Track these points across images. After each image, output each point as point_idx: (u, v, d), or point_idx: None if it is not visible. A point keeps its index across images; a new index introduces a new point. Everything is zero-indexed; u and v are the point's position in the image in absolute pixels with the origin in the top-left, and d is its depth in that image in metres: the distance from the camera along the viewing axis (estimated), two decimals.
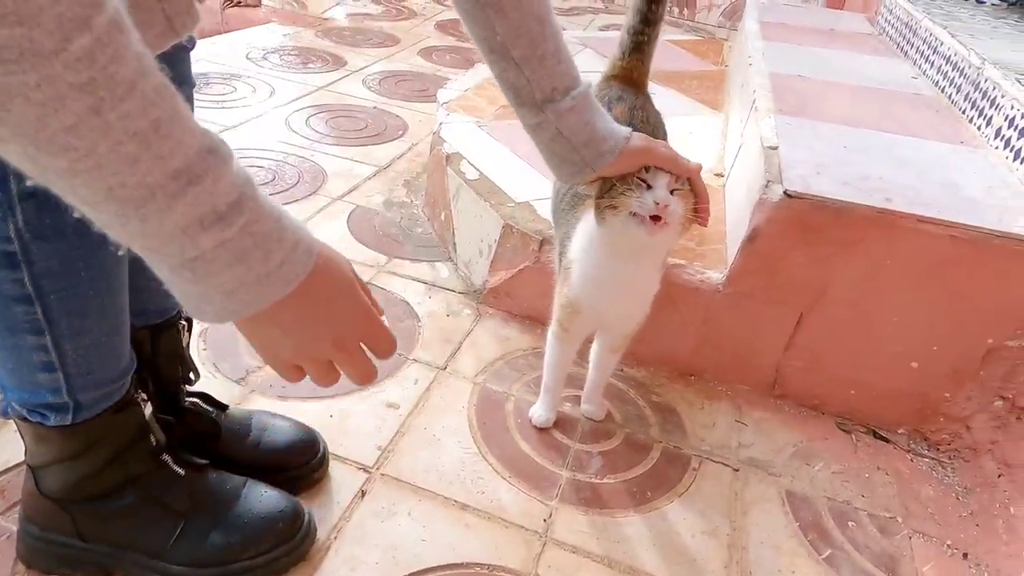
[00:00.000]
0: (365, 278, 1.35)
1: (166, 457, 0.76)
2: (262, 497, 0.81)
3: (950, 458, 1.14)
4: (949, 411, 1.13)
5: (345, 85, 2.34)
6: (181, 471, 0.77)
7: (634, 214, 0.78)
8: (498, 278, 1.32)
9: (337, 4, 3.27)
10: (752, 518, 0.98)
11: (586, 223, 0.87)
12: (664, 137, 1.02)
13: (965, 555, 0.98)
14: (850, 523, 0.99)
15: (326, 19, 3.07)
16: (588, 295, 0.90)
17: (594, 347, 1.03)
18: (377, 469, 0.96)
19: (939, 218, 1.02)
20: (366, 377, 0.57)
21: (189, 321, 0.86)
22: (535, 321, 1.29)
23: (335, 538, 0.86)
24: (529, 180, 1.41)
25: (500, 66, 0.73)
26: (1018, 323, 1.05)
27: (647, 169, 0.78)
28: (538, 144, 0.78)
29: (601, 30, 3.40)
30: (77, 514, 0.74)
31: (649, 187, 0.78)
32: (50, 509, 0.74)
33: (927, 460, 1.13)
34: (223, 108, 2.02)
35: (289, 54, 2.55)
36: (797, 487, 1.04)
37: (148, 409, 0.75)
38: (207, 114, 1.97)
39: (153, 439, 0.75)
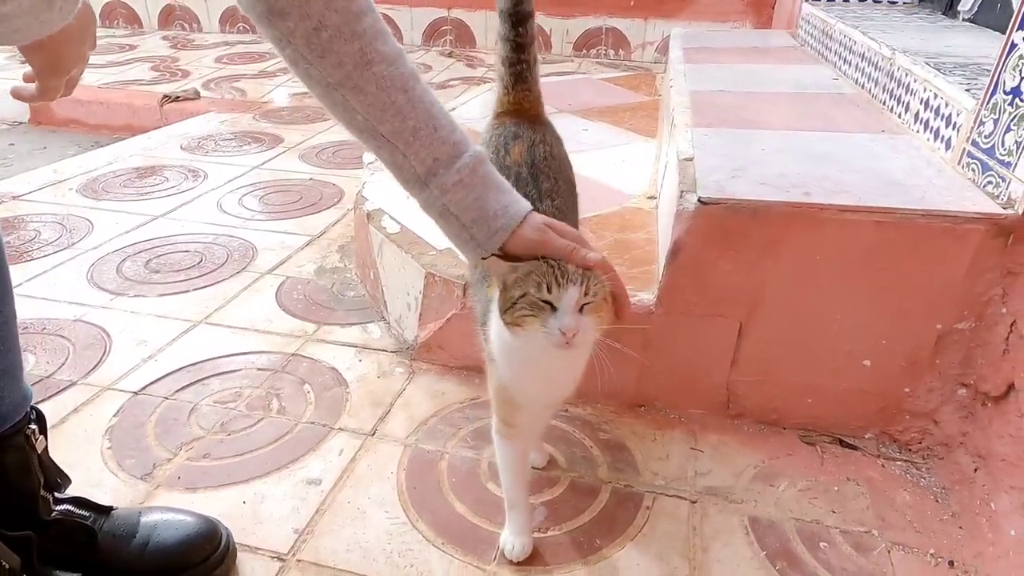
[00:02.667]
0: (291, 350, 1.29)
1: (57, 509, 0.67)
2: (174, 520, 0.73)
3: (923, 458, 1.06)
4: (913, 407, 1.06)
5: (281, 161, 2.32)
6: (87, 515, 0.68)
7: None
8: (428, 331, 1.25)
9: (277, 87, 3.30)
10: (713, 554, 0.89)
11: (499, 323, 0.72)
12: (570, 167, 0.93)
13: (951, 563, 0.89)
14: (822, 544, 0.90)
15: (265, 102, 3.08)
16: (519, 387, 0.79)
17: (521, 457, 0.87)
18: (293, 555, 0.86)
19: (859, 205, 0.97)
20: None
21: (41, 422, 0.78)
22: (471, 371, 1.22)
23: None
24: None
25: (373, 145, 0.68)
26: (963, 305, 0.99)
27: (549, 277, 0.66)
28: (432, 220, 0.72)
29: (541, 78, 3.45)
30: None
31: (554, 309, 0.67)
32: None
33: (899, 463, 1.05)
34: (151, 199, 1.98)
35: (224, 139, 2.54)
36: (761, 512, 0.95)
37: None
38: (134, 206, 1.92)
39: (5, 564, 0.66)
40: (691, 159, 1.16)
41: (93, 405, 1.13)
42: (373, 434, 1.08)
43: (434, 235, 1.33)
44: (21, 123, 3.21)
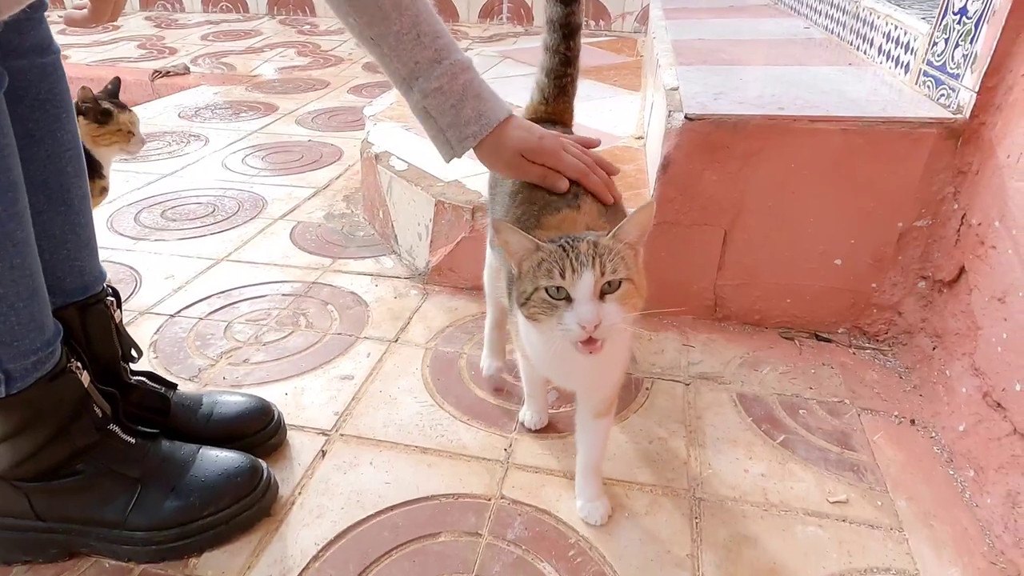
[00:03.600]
0: (311, 279, 1.39)
1: (113, 427, 0.77)
2: (217, 458, 0.81)
3: (889, 345, 1.18)
4: (879, 301, 1.19)
5: (278, 127, 2.40)
6: (132, 439, 0.78)
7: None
8: (439, 255, 1.35)
9: (264, 62, 3.36)
10: (706, 420, 1.01)
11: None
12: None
13: (912, 421, 1.02)
14: (801, 411, 1.03)
15: (255, 76, 3.14)
16: (542, 370, 0.79)
17: (577, 417, 0.83)
18: (336, 431, 0.97)
19: (828, 115, 1.09)
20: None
21: (117, 297, 0.87)
22: (480, 290, 1.32)
23: (299, 493, 0.86)
24: (459, 164, 1.46)
25: (366, 47, 0.76)
26: (920, 204, 1.11)
27: (562, 262, 0.62)
28: (422, 124, 0.80)
29: (525, 50, 3.54)
30: (31, 493, 0.74)
31: (569, 300, 0.62)
32: (2, 491, 0.74)
33: (868, 351, 1.18)
34: (156, 160, 2.05)
35: (220, 108, 2.60)
36: (747, 390, 1.08)
37: (86, 378, 0.76)
38: (141, 167, 2.00)
39: (97, 410, 0.76)
40: (676, 88, 1.27)
41: (133, 326, 1.22)
42: (396, 341, 1.18)
43: (440, 168, 1.43)
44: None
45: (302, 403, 1.03)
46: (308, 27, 4.10)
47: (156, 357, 1.14)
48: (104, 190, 1.26)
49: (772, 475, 0.91)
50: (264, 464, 0.84)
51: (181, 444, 0.82)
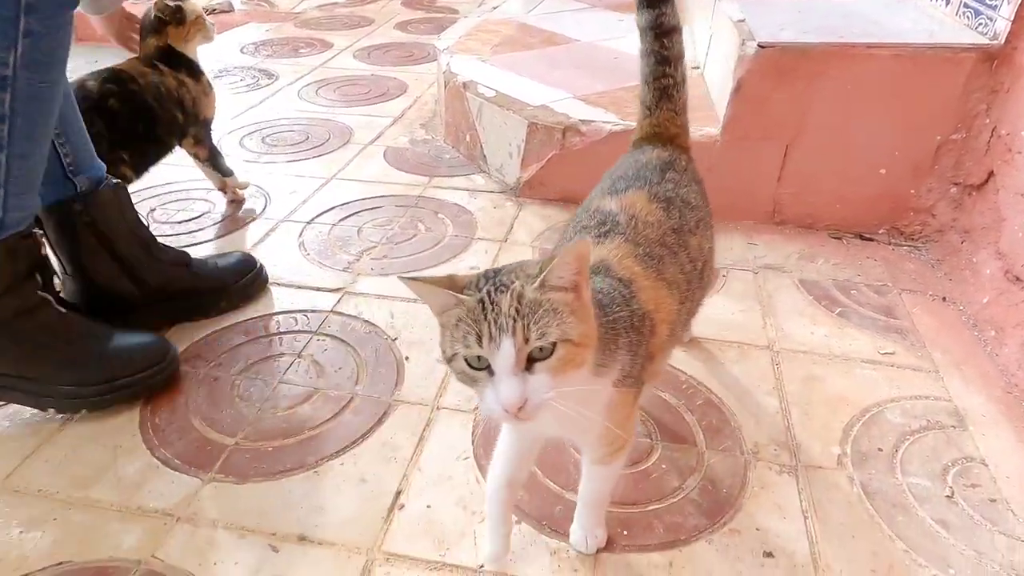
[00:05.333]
0: (415, 193, 1.59)
1: (49, 296, 0.94)
2: (135, 335, 1.00)
3: (923, 242, 1.40)
4: (916, 205, 1.39)
5: (338, 61, 2.54)
6: (63, 310, 0.95)
7: None
8: (530, 171, 1.55)
9: (303, 0, 3.46)
10: (775, 298, 1.23)
11: None
12: (707, 223, 0.83)
13: (944, 299, 1.24)
14: (852, 291, 1.25)
15: (298, 13, 3.25)
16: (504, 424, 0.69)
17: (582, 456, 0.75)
18: None
19: (882, 42, 1.28)
20: None
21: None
22: (567, 201, 1.53)
23: None
24: (539, 90, 1.65)
25: None
26: (957, 119, 1.31)
27: (478, 324, 0.52)
28: None
29: None
30: None
31: (491, 371, 0.53)
32: None
33: (905, 248, 1.39)
34: (239, 94, 2.22)
35: (277, 45, 2.74)
36: (806, 276, 1.30)
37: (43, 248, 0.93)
38: (225, 100, 2.16)
39: (39, 279, 0.93)
40: (743, 20, 1.45)
41: (277, 232, 1.43)
42: (505, 241, 1.40)
43: (527, 94, 1.61)
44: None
45: None
46: None
47: (307, 255, 1.35)
48: (210, 85, 1.43)
49: (833, 335, 1.14)
50: (171, 344, 1.02)
51: (95, 322, 1.00)
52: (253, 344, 1.10)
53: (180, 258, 1.16)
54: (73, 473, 0.87)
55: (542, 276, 0.52)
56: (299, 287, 1.24)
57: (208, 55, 2.62)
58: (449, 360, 0.55)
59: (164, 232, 1.43)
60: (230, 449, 0.91)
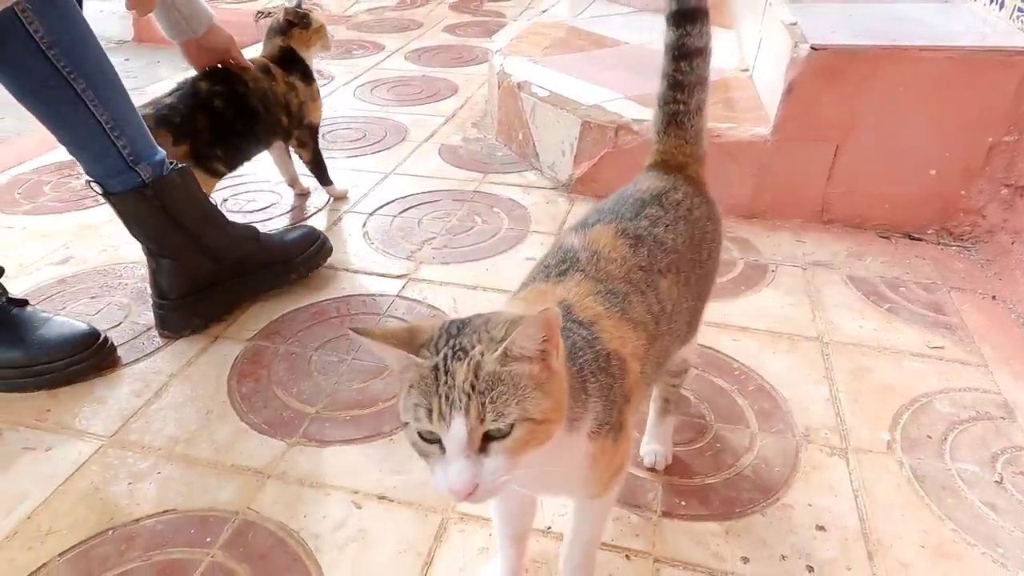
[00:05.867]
0: (471, 188, 1.66)
1: None
2: (64, 322, 1.06)
3: (972, 243, 1.42)
4: (966, 206, 1.41)
5: (390, 63, 2.63)
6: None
7: None
8: (582, 168, 1.60)
9: (355, 3, 3.57)
10: (824, 293, 1.26)
11: None
12: (714, 261, 0.79)
13: (993, 297, 1.26)
14: (900, 288, 1.28)
15: (349, 16, 3.36)
16: None
17: None
18: None
19: (935, 45, 1.30)
20: None
21: None
22: None
23: None
24: (591, 90, 1.70)
25: None
26: (1009, 121, 1.32)
27: (429, 396, 0.48)
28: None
29: None
30: None
31: (441, 447, 0.48)
32: None
33: (954, 248, 1.41)
34: None
35: (332, 46, 2.84)
36: (855, 273, 1.33)
37: None
38: None
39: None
40: (795, 23, 1.48)
41: (344, 221, 1.51)
42: (558, 234, 1.45)
43: (580, 94, 1.67)
44: (126, 41, 3.51)
45: (501, 275, 1.31)
46: None
47: (372, 243, 1.42)
48: (319, 92, 1.51)
49: (882, 329, 1.17)
50: (104, 333, 1.07)
51: (40, 310, 1.07)
52: (326, 324, 1.18)
53: (249, 232, 1.24)
54: (171, 434, 0.96)
55: (503, 346, 0.47)
56: (366, 273, 1.32)
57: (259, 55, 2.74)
58: (403, 425, 0.50)
59: (240, 220, 1.52)
60: (311, 417, 0.98)
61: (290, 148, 1.55)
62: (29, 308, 1.07)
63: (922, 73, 1.32)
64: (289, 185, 1.63)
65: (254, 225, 1.29)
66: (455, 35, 2.98)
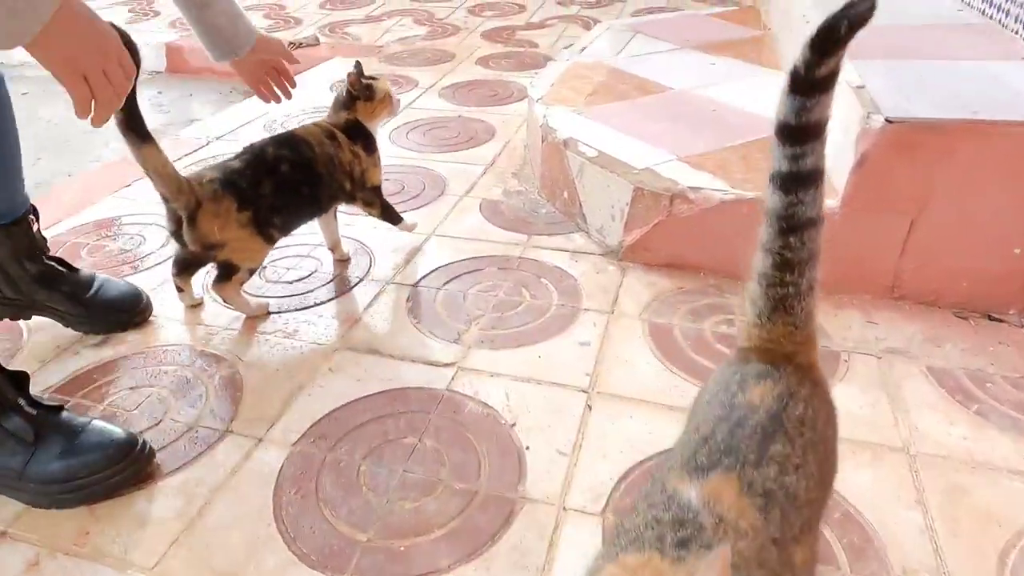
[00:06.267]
0: (515, 254, 1.59)
1: (21, 401, 0.98)
2: (102, 429, 1.01)
3: None
4: None
5: (425, 101, 2.58)
6: (33, 411, 0.99)
7: None
8: (634, 236, 1.53)
9: (386, 32, 3.53)
10: (904, 389, 1.17)
11: None
12: (832, 464, 0.71)
13: None
14: (987, 384, 1.18)
15: (381, 47, 3.31)
16: None
17: None
18: (592, 389, 1.18)
19: (1022, 120, 1.21)
20: (118, 92, 0.86)
21: (36, 213, 1.24)
22: (672, 267, 1.51)
23: (582, 438, 1.08)
24: (643, 151, 1.63)
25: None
26: None
27: None
28: (199, 33, 1.23)
29: (634, 15, 3.61)
30: None
31: None
32: None
33: None
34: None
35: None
36: (934, 363, 1.23)
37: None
38: None
39: (9, 395, 0.98)
40: (863, 86, 1.39)
41: (386, 295, 1.45)
42: (612, 312, 1.38)
43: (629, 155, 1.60)
44: (159, 72, 3.51)
45: (555, 364, 1.24)
46: None
47: (417, 322, 1.36)
48: (380, 158, 1.50)
49: (972, 438, 1.08)
50: (141, 439, 1.03)
51: (73, 416, 1.03)
52: (375, 424, 1.12)
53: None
54: (216, 566, 0.90)
55: None
56: (412, 360, 1.26)
57: (300, 95, 2.70)
58: None
59: (275, 292, 1.47)
60: (362, 547, 0.92)
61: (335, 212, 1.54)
62: (65, 413, 1.02)
63: (1007, 148, 1.22)
64: (330, 249, 1.58)
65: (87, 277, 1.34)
66: (489, 68, 2.92)
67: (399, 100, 1.53)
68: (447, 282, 1.49)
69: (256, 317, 1.38)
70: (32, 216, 1.27)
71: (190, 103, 3.07)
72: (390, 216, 1.57)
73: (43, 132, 2.73)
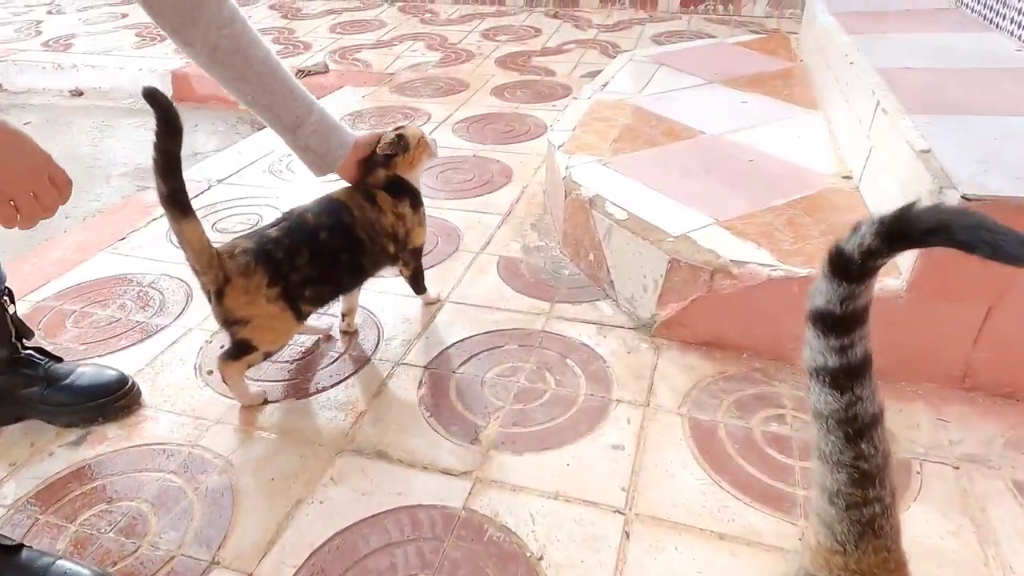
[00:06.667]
0: (537, 326, 1.45)
1: None
2: (67, 572, 0.89)
3: None
4: None
5: (438, 137, 2.44)
6: None
7: None
8: (669, 311, 1.38)
9: (398, 58, 3.41)
10: (990, 513, 1.02)
11: None
12: None
13: None
14: None
15: (392, 74, 3.19)
16: None
17: None
18: (630, 510, 1.03)
19: None
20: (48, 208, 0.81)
21: (11, 296, 1.16)
22: (712, 346, 1.36)
23: (620, 572, 0.93)
24: (678, 213, 1.48)
25: (258, 110, 1.14)
26: None
27: None
28: (296, 153, 1.21)
29: (654, 39, 3.47)
30: None
31: None
32: None
33: None
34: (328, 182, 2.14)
35: (375, 116, 2.67)
36: (1020, 475, 1.08)
37: None
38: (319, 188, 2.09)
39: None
40: (929, 151, 1.24)
41: (396, 379, 1.31)
42: (648, 405, 1.23)
43: (662, 218, 1.45)
44: None
45: (585, 476, 1.09)
46: (429, 15, 4.12)
47: (431, 415, 1.22)
48: (425, 216, 1.40)
49: None
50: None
51: (40, 555, 0.91)
52: (381, 555, 0.97)
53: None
54: None
55: None
56: (425, 467, 1.12)
57: None
58: None
59: (273, 375, 1.33)
60: None
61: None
62: (25, 553, 0.90)
63: None
64: (342, 314, 1.44)
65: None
66: (504, 99, 2.79)
67: (435, 139, 1.41)
68: (463, 363, 1.35)
69: (252, 406, 1.24)
70: (6, 298, 1.15)
71: (195, 135, 2.96)
72: (417, 284, 1.47)
73: None
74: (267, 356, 1.22)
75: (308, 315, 1.23)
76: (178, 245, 1.11)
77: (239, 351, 1.18)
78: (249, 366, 1.22)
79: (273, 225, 1.20)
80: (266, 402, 1.26)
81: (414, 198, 1.35)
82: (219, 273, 1.11)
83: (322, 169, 1.23)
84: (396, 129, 1.32)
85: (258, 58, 1.10)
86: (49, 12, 4.46)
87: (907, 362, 1.26)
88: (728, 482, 1.07)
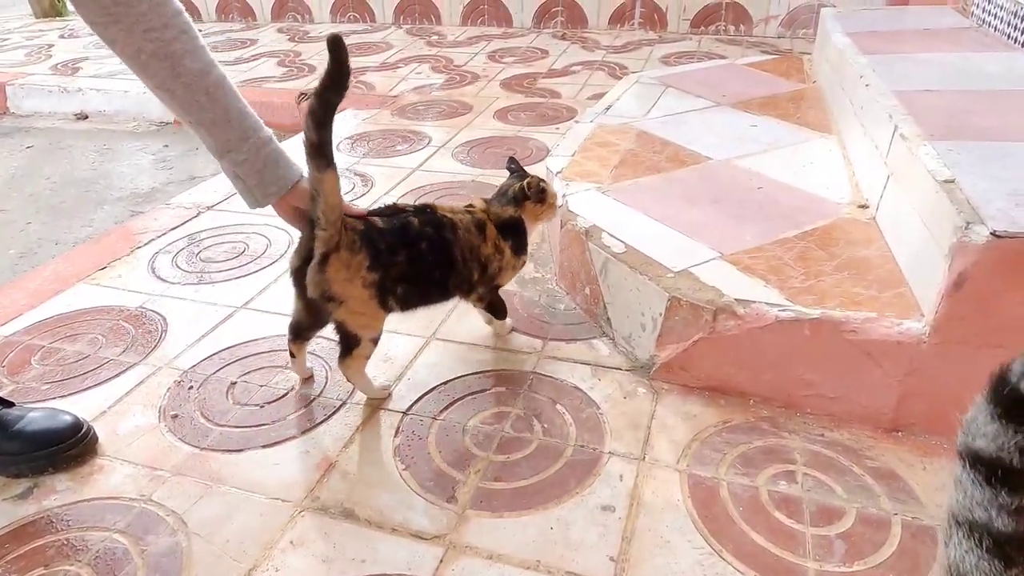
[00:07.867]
0: (528, 367, 1.35)
1: None
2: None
3: None
4: None
5: (436, 162, 2.38)
6: None
7: None
8: (669, 352, 1.28)
9: (402, 80, 3.36)
10: None
11: None
12: None
13: None
14: None
15: (395, 96, 3.14)
16: None
17: None
18: None
19: None
20: None
21: None
22: (715, 391, 1.25)
23: None
24: (680, 245, 1.38)
25: (187, 125, 1.03)
26: None
27: None
28: (229, 178, 1.08)
29: (663, 61, 3.39)
30: None
31: None
32: None
33: None
34: None
35: (373, 139, 2.61)
36: None
37: None
38: None
39: None
40: (953, 181, 1.14)
41: (372, 424, 1.22)
42: (644, 459, 1.12)
43: (662, 252, 1.35)
44: (167, 123, 3.38)
45: (571, 542, 0.98)
46: (436, 37, 4.09)
47: (406, 468, 1.12)
48: (522, 265, 1.38)
49: None
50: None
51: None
52: None
53: None
54: None
55: None
56: (394, 530, 1.01)
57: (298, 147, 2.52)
58: None
59: (240, 420, 1.24)
60: None
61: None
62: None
63: None
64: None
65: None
66: (507, 122, 2.72)
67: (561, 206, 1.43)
68: (444, 408, 1.25)
69: (214, 450, 1.15)
70: None
71: (194, 159, 2.91)
72: (496, 311, 1.42)
73: (40, 192, 2.57)
74: (374, 343, 1.21)
75: (390, 311, 1.20)
76: (313, 195, 1.06)
77: (347, 345, 1.18)
78: (365, 359, 1.22)
79: (380, 214, 1.18)
80: (390, 395, 1.28)
81: (519, 245, 1.34)
82: (336, 236, 1.08)
83: (251, 203, 1.11)
84: (541, 181, 1.34)
85: (190, 70, 0.98)
86: (61, 36, 4.49)
87: (931, 413, 1.14)
88: (731, 552, 0.96)
